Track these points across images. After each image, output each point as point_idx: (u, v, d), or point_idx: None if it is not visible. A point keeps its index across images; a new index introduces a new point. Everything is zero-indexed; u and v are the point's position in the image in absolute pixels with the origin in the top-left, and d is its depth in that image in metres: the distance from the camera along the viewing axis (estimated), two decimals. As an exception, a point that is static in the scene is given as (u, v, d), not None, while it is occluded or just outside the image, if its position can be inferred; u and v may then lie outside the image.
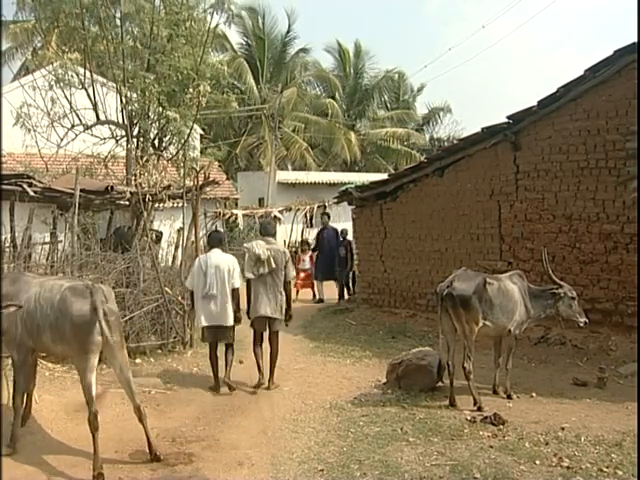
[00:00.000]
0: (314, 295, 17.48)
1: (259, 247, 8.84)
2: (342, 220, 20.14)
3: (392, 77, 38.80)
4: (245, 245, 9.33)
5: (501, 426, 7.05)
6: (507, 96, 64.44)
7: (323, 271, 17.13)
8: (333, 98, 36.27)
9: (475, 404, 7.72)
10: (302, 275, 17.41)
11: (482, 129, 11.91)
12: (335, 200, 16.43)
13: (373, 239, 14.19)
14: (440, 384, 8.56)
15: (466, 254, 12.35)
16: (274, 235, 9.70)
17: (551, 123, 11.14)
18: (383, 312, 13.68)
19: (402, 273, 13.57)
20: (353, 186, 15.13)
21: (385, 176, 15.44)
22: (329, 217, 18.14)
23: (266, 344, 9.13)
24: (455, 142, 15.02)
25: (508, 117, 11.54)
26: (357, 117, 38.27)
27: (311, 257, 17.66)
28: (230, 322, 8.87)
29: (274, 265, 8.81)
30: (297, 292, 16.56)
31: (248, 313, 9.05)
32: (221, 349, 9.05)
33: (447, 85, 66.25)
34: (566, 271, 10.67)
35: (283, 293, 8.99)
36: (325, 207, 22.71)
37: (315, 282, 17.51)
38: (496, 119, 13.48)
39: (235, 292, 8.85)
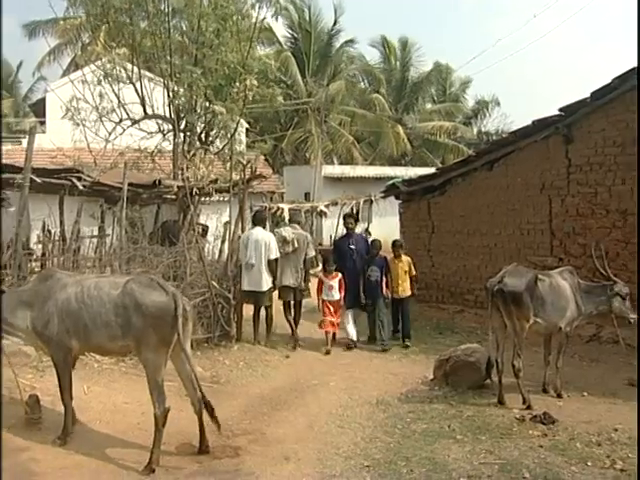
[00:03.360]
0: (333, 337, 11.19)
1: (286, 231, 11.05)
2: (388, 214, 19.99)
3: (439, 70, 38.40)
4: (275, 230, 11.55)
5: (551, 425, 6.91)
6: (556, 88, 63.26)
7: (351, 298, 11.32)
8: (379, 92, 36.05)
9: (524, 402, 7.58)
10: (329, 309, 11.04)
11: (533, 122, 11.68)
12: (382, 194, 16.29)
13: (421, 234, 14.05)
14: (488, 381, 8.42)
15: (516, 249, 12.13)
16: (299, 223, 12.03)
17: (605, 115, 10.86)
18: (430, 307, 13.54)
19: (450, 268, 13.41)
20: (400, 180, 14.98)
21: (433, 170, 15.27)
22: (356, 220, 12.73)
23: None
24: (504, 135, 14.77)
25: (560, 109, 11.28)
26: (404, 110, 37.96)
27: (341, 281, 11.11)
28: (264, 288, 10.61)
29: (297, 245, 10.90)
30: (333, 337, 11.14)
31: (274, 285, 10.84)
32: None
33: (495, 78, 65.33)
34: (620, 267, 10.36)
35: (303, 270, 11.07)
36: (371, 202, 22.58)
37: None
38: (544, 112, 13.18)
39: (271, 263, 10.60)
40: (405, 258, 11.63)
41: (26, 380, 7.51)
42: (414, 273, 11.61)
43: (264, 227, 11.17)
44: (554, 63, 73.83)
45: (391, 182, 15.40)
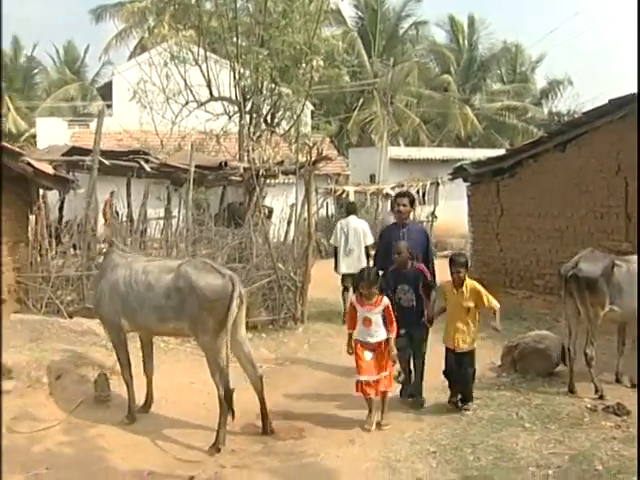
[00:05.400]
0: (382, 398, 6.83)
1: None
2: (455, 198, 19.67)
3: (508, 48, 37.51)
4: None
5: (625, 417, 6.65)
6: (633, 65, 61.06)
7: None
8: (447, 72, 35.49)
9: (596, 392, 7.31)
10: (363, 361, 6.71)
11: (609, 101, 11.19)
12: (450, 176, 15.99)
13: (489, 217, 13.72)
14: (559, 369, 8.16)
15: (588, 233, 11.71)
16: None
17: (688, 91, 10.31)
18: (498, 292, 13.07)
19: (519, 252, 13.06)
20: (469, 162, 14.67)
21: (501, 152, 14.88)
22: (412, 202, 8.05)
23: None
24: (577, 116, 14.28)
25: None
26: (471, 91, 37.26)
27: (389, 311, 6.71)
28: None
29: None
30: (383, 398, 6.79)
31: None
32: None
33: (567, 56, 63.45)
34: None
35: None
36: (438, 184, 22.27)
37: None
38: (620, 91, 12.64)
39: (367, 248, 11.22)
40: (471, 285, 7.05)
41: (95, 359, 7.67)
42: (495, 304, 7.06)
43: (357, 216, 11.96)
44: (631, 38, 71.28)
45: (459, 164, 15.09)
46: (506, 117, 35.18)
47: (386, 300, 6.71)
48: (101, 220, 12.97)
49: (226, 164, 12.38)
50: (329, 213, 22.38)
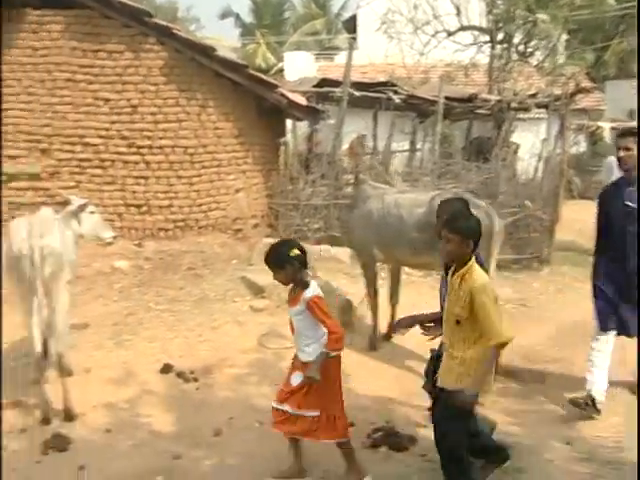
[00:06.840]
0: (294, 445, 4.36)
1: None
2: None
3: None
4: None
5: None
6: None
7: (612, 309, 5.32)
8: None
9: None
10: (287, 380, 4.39)
11: None
12: None
13: None
14: None
15: None
16: None
17: None
18: None
19: None
20: None
21: None
22: None
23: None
24: None
25: None
26: None
27: (314, 307, 4.13)
28: None
29: None
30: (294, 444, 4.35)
31: None
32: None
33: None
34: None
35: None
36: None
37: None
38: None
39: None
40: (470, 276, 3.71)
41: (340, 285, 7.93)
42: (494, 338, 3.57)
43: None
44: None
45: None
46: None
47: (308, 293, 4.17)
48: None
49: (476, 96, 12.02)
50: (581, 150, 21.09)
